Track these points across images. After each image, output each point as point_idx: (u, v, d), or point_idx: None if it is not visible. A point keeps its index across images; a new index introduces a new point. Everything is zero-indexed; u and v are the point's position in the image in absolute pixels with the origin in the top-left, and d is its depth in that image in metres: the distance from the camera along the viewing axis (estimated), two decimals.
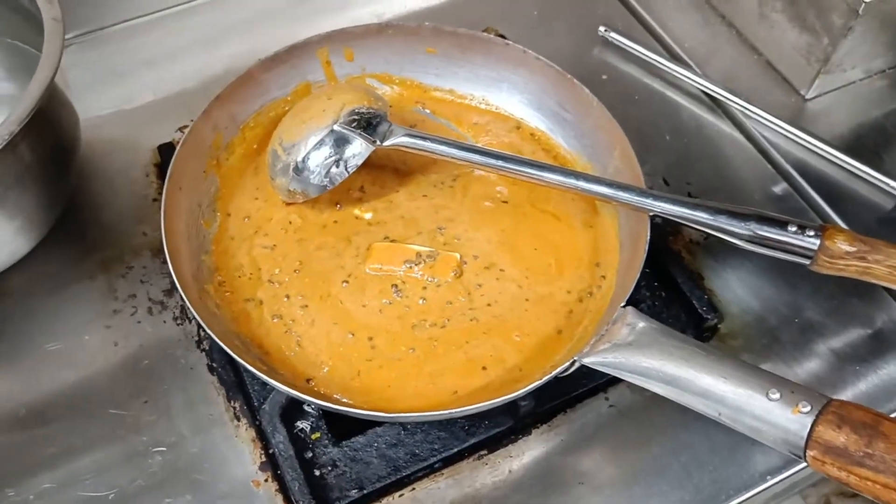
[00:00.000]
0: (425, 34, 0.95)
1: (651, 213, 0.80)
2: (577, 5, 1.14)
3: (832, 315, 0.88)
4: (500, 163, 0.83)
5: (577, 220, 0.88)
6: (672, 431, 0.81)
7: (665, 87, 1.06)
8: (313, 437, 0.79)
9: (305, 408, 0.80)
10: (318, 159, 0.85)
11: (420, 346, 0.80)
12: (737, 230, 0.78)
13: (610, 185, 0.81)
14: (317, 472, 0.77)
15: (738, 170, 0.99)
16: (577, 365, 0.73)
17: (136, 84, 1.05)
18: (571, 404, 0.83)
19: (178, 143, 0.96)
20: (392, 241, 0.86)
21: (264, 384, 0.81)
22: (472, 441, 0.79)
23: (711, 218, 0.79)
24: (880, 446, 0.61)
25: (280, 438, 0.77)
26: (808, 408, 0.63)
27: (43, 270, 0.89)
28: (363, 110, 0.86)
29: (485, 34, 0.96)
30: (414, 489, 0.78)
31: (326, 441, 0.79)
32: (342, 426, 0.79)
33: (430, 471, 0.79)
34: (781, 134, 1.01)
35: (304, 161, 0.85)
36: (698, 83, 1.04)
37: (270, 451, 0.79)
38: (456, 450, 0.79)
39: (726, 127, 1.02)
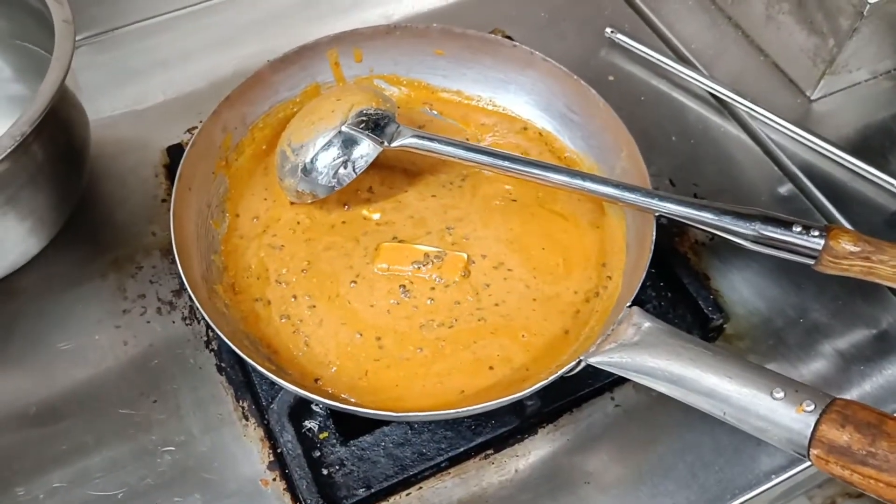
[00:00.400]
0: (434, 36, 0.96)
1: (657, 214, 0.80)
2: (584, 7, 1.15)
3: (837, 316, 0.88)
4: (507, 164, 0.84)
5: (585, 220, 0.89)
6: (677, 431, 0.82)
7: (672, 88, 1.06)
8: (321, 436, 0.80)
9: (313, 407, 0.81)
10: (327, 160, 0.86)
11: (428, 345, 0.81)
12: (742, 231, 0.78)
13: (616, 185, 0.82)
14: (324, 471, 0.78)
15: (744, 171, 0.99)
16: (582, 364, 0.74)
17: (146, 85, 1.06)
18: (577, 404, 0.83)
19: (186, 144, 0.96)
20: (400, 241, 0.87)
21: (272, 384, 0.81)
22: (479, 440, 0.80)
23: (717, 218, 0.79)
24: (884, 445, 0.62)
25: (288, 437, 0.78)
26: (812, 407, 0.64)
27: (54, 270, 0.90)
28: (371, 111, 0.87)
29: (493, 36, 0.97)
30: (421, 488, 0.79)
31: (334, 440, 0.79)
32: (350, 425, 0.80)
33: (437, 470, 0.80)
34: (787, 135, 1.01)
35: (312, 162, 0.86)
36: (705, 84, 1.04)
37: (279, 451, 0.79)
38: (462, 449, 0.80)
39: (732, 128, 1.03)
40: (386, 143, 0.86)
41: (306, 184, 0.87)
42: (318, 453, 0.79)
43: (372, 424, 0.80)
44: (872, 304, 0.89)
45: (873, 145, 1.01)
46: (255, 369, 0.78)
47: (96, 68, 1.06)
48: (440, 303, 0.83)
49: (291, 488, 0.78)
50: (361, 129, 0.85)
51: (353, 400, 0.78)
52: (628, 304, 0.76)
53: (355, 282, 0.84)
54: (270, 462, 0.80)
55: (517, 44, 0.94)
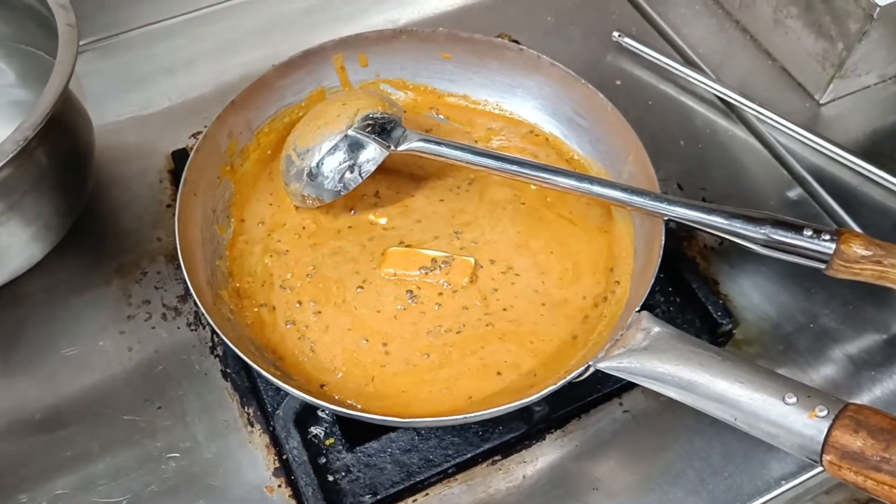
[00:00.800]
0: (440, 40, 0.95)
1: (666, 218, 0.80)
2: (590, 11, 1.14)
3: (847, 320, 0.87)
4: (515, 167, 0.83)
5: (593, 224, 0.88)
6: (686, 437, 0.81)
7: (679, 92, 1.06)
8: (327, 442, 0.79)
9: (319, 413, 0.80)
10: (333, 164, 0.85)
11: (435, 351, 0.80)
12: (752, 235, 0.78)
13: (624, 189, 0.81)
14: (330, 478, 0.77)
15: (752, 175, 0.99)
16: (591, 370, 0.73)
17: (151, 90, 1.05)
18: (585, 410, 0.83)
19: (192, 149, 0.96)
20: (408, 246, 0.86)
21: (278, 390, 0.81)
22: (486, 446, 0.79)
23: (727, 222, 0.79)
24: None
25: (294, 444, 0.77)
26: (825, 412, 0.63)
27: (58, 276, 0.89)
28: (377, 115, 0.86)
29: (499, 40, 0.96)
30: (427, 494, 0.78)
31: (340, 446, 0.79)
32: (356, 432, 0.79)
33: (444, 476, 0.79)
34: (796, 139, 1.00)
35: (318, 166, 0.85)
36: (713, 88, 1.04)
37: (284, 457, 0.79)
38: (470, 455, 0.79)
39: (741, 132, 1.02)
40: (392, 147, 0.85)
41: (312, 188, 0.86)
42: (323, 460, 0.78)
43: (378, 430, 0.79)
44: (883, 309, 0.88)
45: (883, 149, 1.00)
46: (260, 375, 0.77)
47: (101, 74, 1.05)
48: (448, 308, 0.82)
49: (297, 495, 0.77)
50: (368, 132, 0.85)
51: (359, 406, 0.77)
52: (637, 308, 0.75)
53: (361, 287, 0.84)
54: (276, 468, 0.79)
55: (524, 48, 0.94)
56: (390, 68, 0.97)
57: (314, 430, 0.80)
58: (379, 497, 0.76)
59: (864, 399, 0.83)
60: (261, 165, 0.92)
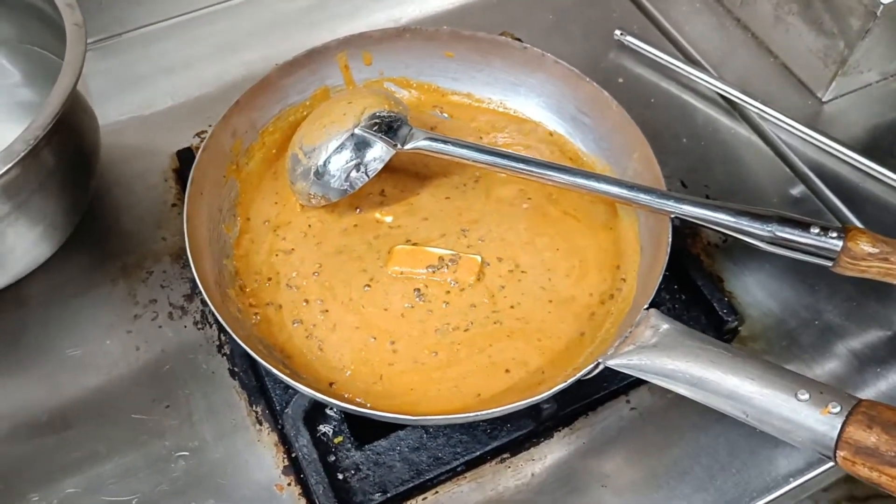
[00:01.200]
0: (443, 38, 0.95)
1: (672, 216, 0.80)
2: (592, 9, 1.15)
3: (851, 317, 0.88)
4: (521, 166, 0.83)
5: (598, 222, 0.89)
6: (693, 434, 0.81)
7: (681, 90, 1.06)
8: (336, 440, 0.79)
9: (328, 412, 0.80)
10: (339, 163, 0.85)
11: (443, 349, 0.80)
12: (758, 232, 0.78)
13: (631, 187, 0.81)
14: (340, 476, 0.77)
15: (755, 172, 0.99)
16: (601, 367, 0.73)
17: (153, 90, 1.05)
18: (593, 407, 0.83)
19: (196, 148, 0.97)
20: (414, 244, 0.86)
21: (286, 388, 0.81)
22: (495, 444, 0.79)
23: (733, 220, 0.79)
24: None
25: (303, 442, 0.77)
26: (838, 408, 0.63)
27: (63, 276, 0.89)
28: (384, 114, 0.86)
29: (503, 38, 0.97)
30: (437, 492, 0.78)
31: (349, 445, 0.79)
32: (364, 430, 0.80)
33: (453, 474, 0.79)
34: (798, 136, 1.01)
35: (325, 165, 0.85)
36: (715, 86, 1.04)
37: (293, 455, 0.79)
38: (478, 453, 0.79)
39: (743, 130, 1.02)
40: (399, 146, 0.85)
41: (319, 187, 0.86)
42: (333, 458, 0.78)
43: (387, 429, 0.80)
44: (887, 305, 0.89)
45: (885, 146, 1.01)
46: (269, 373, 0.77)
47: (103, 74, 1.05)
48: (455, 306, 0.83)
49: (307, 493, 0.77)
50: (374, 131, 0.85)
51: (368, 404, 0.77)
52: (645, 306, 0.75)
53: (369, 286, 0.84)
54: (285, 467, 0.79)
55: (528, 46, 0.94)
56: (394, 67, 0.97)
57: (323, 428, 0.80)
58: (389, 495, 0.77)
59: (868, 395, 0.83)
60: (265, 164, 0.93)
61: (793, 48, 1.06)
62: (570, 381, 0.72)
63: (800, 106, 1.04)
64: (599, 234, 0.88)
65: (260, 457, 0.80)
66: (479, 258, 0.85)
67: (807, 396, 0.65)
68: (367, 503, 0.76)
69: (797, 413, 0.65)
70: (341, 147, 0.85)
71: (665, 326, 0.73)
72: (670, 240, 0.79)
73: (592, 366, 0.73)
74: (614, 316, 0.82)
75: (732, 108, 1.04)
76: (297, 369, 0.79)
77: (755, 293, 0.89)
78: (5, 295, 0.86)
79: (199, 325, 0.87)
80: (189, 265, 0.79)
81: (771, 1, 1.06)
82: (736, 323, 0.86)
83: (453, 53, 0.96)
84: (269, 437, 0.81)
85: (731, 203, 0.80)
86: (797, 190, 0.97)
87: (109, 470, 0.79)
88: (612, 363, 0.73)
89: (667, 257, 0.78)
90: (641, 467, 0.80)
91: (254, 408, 0.82)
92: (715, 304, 0.86)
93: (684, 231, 0.92)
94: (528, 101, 0.96)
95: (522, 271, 0.85)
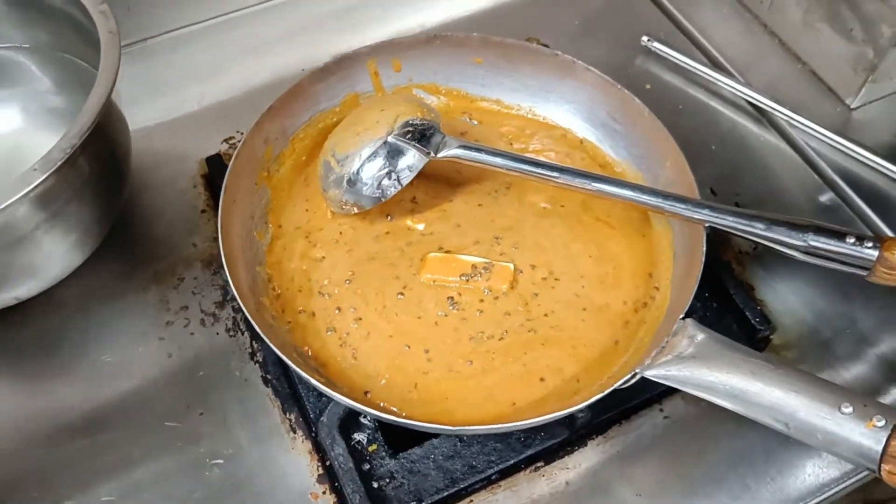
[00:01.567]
0: (473, 45, 0.96)
1: (707, 225, 0.80)
2: (618, 15, 1.14)
3: (886, 324, 0.88)
4: (554, 174, 0.83)
5: (631, 228, 0.88)
6: (728, 442, 0.81)
7: (709, 97, 1.06)
8: (370, 449, 0.79)
9: (361, 420, 0.80)
10: (372, 171, 0.85)
11: (478, 358, 0.80)
12: (793, 242, 0.78)
13: (666, 196, 0.81)
14: (375, 485, 0.77)
15: (784, 180, 0.99)
16: (638, 377, 0.73)
17: (180, 95, 1.05)
18: (626, 416, 0.83)
19: (224, 154, 0.97)
20: (447, 251, 0.86)
21: (319, 396, 0.81)
22: (529, 453, 0.79)
23: (768, 229, 0.78)
24: None
25: (339, 451, 0.77)
26: (883, 422, 0.63)
27: (95, 282, 0.89)
28: (417, 122, 0.86)
29: (533, 45, 0.97)
30: (471, 501, 0.79)
31: (384, 453, 0.79)
32: (398, 438, 0.79)
33: (488, 482, 0.79)
34: (828, 144, 1.01)
35: (357, 173, 0.86)
36: (743, 93, 1.04)
37: (328, 464, 0.79)
38: (513, 461, 0.79)
39: (772, 137, 1.02)
40: (432, 154, 0.85)
41: (351, 195, 0.86)
42: (367, 466, 0.78)
43: (421, 437, 0.80)
44: None
45: None
46: (303, 381, 0.77)
47: (129, 79, 1.03)
48: (489, 314, 0.83)
49: (342, 502, 0.77)
50: (408, 139, 0.85)
51: (404, 413, 0.77)
52: (681, 315, 0.75)
53: (402, 293, 0.84)
54: (319, 475, 0.79)
55: (558, 53, 0.94)
56: (423, 73, 0.97)
57: (357, 436, 0.80)
58: None
59: None
60: (296, 171, 0.93)
61: (822, 55, 1.05)
62: (606, 391, 0.72)
63: (829, 113, 1.04)
64: (632, 241, 0.88)
65: (294, 465, 0.80)
66: (511, 266, 0.85)
67: (850, 410, 0.64)
68: None
69: (841, 426, 0.64)
70: (374, 155, 0.85)
71: (701, 336, 0.73)
72: (705, 249, 0.79)
73: (629, 376, 0.73)
74: (648, 324, 0.82)
75: (761, 114, 1.04)
76: (332, 378, 0.79)
77: (787, 301, 0.89)
78: (40, 300, 0.86)
79: (231, 333, 0.87)
80: (221, 271, 0.79)
81: (800, 7, 1.05)
82: (768, 332, 0.86)
83: (482, 60, 0.96)
84: (302, 445, 0.81)
85: (765, 213, 0.80)
86: (826, 197, 0.97)
87: (144, 476, 0.79)
88: (649, 374, 0.73)
89: (702, 267, 0.78)
90: (676, 476, 0.80)
91: (287, 415, 0.82)
92: (747, 313, 0.85)
93: (715, 238, 0.91)
94: (557, 108, 0.96)
95: (556, 279, 0.85)
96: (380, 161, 0.85)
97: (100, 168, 0.82)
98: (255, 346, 0.86)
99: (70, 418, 0.82)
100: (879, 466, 0.63)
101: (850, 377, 0.85)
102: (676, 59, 1.07)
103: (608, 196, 0.83)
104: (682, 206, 0.81)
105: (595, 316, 0.83)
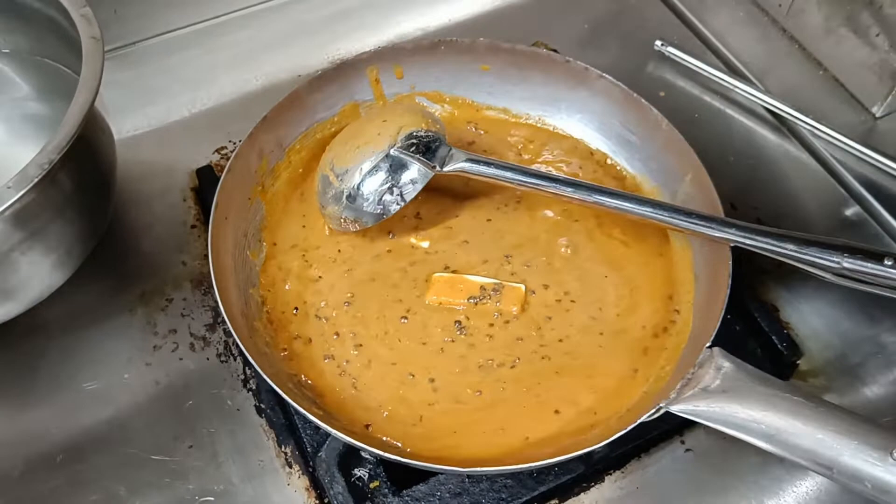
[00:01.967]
0: (480, 51, 0.90)
1: (732, 245, 0.75)
2: (628, 18, 1.10)
3: None
4: (568, 190, 0.78)
5: (648, 247, 0.83)
6: (753, 477, 0.76)
7: (726, 104, 1.01)
8: (372, 485, 0.74)
9: (363, 454, 0.75)
10: (373, 186, 0.80)
11: (487, 388, 0.75)
12: (826, 263, 0.72)
13: (689, 214, 0.76)
14: None
15: (807, 192, 0.94)
16: (662, 412, 0.68)
17: (170, 102, 1.01)
18: (645, 449, 0.78)
19: (216, 165, 0.92)
20: (453, 271, 0.81)
21: (317, 427, 0.75)
22: (542, 489, 0.74)
23: (799, 250, 0.73)
24: None
25: (339, 489, 0.72)
26: None
27: (78, 303, 0.84)
28: (422, 134, 0.81)
29: (543, 51, 0.92)
30: None
31: (386, 490, 0.74)
32: (402, 474, 0.74)
33: None
34: (852, 154, 0.95)
35: (357, 188, 0.80)
36: (762, 100, 0.99)
37: (326, 502, 0.74)
38: (525, 499, 0.74)
39: (792, 147, 0.97)
40: (438, 168, 0.80)
41: (351, 211, 0.81)
42: None
43: (426, 473, 0.74)
44: None
45: None
46: (298, 413, 0.72)
47: (116, 86, 0.98)
48: (499, 340, 0.77)
49: None
50: (412, 152, 0.79)
51: (408, 450, 0.72)
52: (707, 343, 0.70)
53: (405, 317, 0.79)
54: None
55: (570, 59, 0.89)
56: (426, 80, 0.92)
57: (358, 472, 0.74)
58: None
59: None
60: (292, 185, 0.88)
61: (844, 61, 1.00)
62: (628, 427, 0.67)
63: (852, 122, 0.99)
64: (650, 260, 0.82)
65: (291, 502, 0.75)
66: (523, 287, 0.80)
67: None
68: None
69: (893, 475, 0.59)
70: (375, 169, 0.80)
71: (729, 366, 0.68)
72: (731, 271, 0.74)
73: (654, 410, 0.68)
74: (669, 351, 0.77)
75: (780, 123, 0.99)
76: (330, 409, 0.74)
77: (812, 323, 0.84)
78: (18, 322, 0.81)
79: (223, 358, 0.82)
80: (211, 292, 0.74)
81: (820, 11, 1.00)
82: (794, 357, 0.80)
83: (489, 67, 0.91)
84: (299, 482, 0.76)
85: (796, 232, 0.74)
86: (851, 211, 0.92)
87: None
88: (676, 409, 0.67)
89: (728, 290, 0.73)
90: None
91: (283, 448, 0.77)
92: (774, 338, 0.80)
93: (737, 256, 0.86)
94: (568, 118, 0.91)
95: (571, 300, 0.80)
96: (382, 175, 0.80)
97: (82, 183, 0.77)
98: (248, 372, 0.81)
99: (49, 450, 0.77)
100: None
101: (883, 406, 0.80)
102: (692, 64, 1.02)
103: (627, 213, 0.77)
104: (707, 225, 0.75)
105: (612, 341, 0.78)
